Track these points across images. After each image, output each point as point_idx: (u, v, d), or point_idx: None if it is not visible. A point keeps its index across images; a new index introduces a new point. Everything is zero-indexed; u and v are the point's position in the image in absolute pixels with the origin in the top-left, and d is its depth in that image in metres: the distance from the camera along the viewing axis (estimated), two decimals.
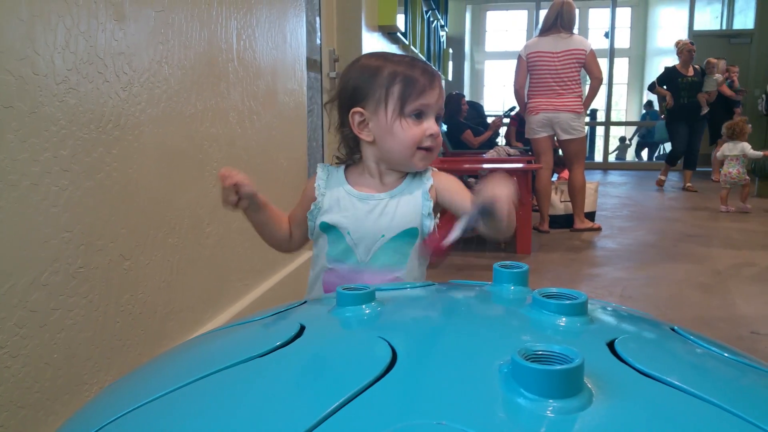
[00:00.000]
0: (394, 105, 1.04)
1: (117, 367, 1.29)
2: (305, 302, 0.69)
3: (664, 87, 6.65)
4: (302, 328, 0.56)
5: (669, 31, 10.47)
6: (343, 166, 1.14)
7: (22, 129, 1.01)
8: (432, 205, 1.09)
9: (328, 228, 1.08)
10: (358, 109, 1.07)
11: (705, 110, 6.53)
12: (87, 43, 1.16)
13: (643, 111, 11.23)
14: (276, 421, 0.42)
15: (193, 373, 0.52)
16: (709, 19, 9.65)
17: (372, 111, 1.06)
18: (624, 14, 11.46)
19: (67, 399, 1.14)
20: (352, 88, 1.08)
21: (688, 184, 6.65)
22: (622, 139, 11.30)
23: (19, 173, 1.00)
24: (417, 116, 1.04)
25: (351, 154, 1.14)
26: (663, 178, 6.90)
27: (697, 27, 9.31)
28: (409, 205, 1.08)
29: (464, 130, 5.93)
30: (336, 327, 0.59)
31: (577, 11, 4.20)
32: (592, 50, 4.09)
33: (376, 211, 1.07)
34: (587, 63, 4.08)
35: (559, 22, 4.09)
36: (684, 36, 9.36)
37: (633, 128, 11.31)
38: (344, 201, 1.09)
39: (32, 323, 1.05)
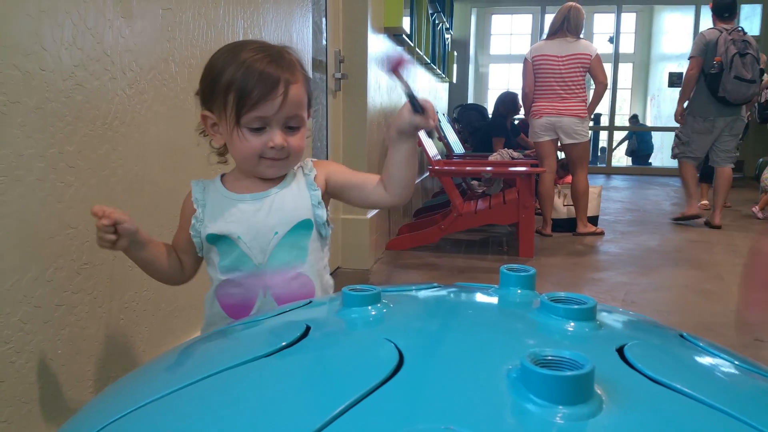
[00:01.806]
0: (230, 115, 0.97)
1: (121, 364, 1.29)
2: (310, 302, 0.69)
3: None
4: (308, 329, 0.56)
5: (674, 37, 10.46)
6: (218, 177, 1.09)
7: (28, 124, 1.00)
8: (320, 194, 1.06)
9: (216, 239, 1.03)
10: (207, 113, 1.02)
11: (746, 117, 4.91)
12: (94, 40, 1.16)
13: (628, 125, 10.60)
14: (281, 423, 0.42)
15: (198, 373, 0.51)
16: None
17: (217, 116, 1.00)
18: (629, 19, 11.44)
19: (71, 395, 1.14)
20: (204, 85, 1.02)
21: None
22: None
23: (24, 168, 1.00)
24: (257, 129, 0.97)
25: (222, 153, 1.10)
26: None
27: None
28: (296, 198, 1.04)
29: (500, 136, 5.80)
30: (342, 328, 0.58)
31: (584, 16, 4.20)
32: (597, 55, 4.08)
33: (263, 209, 1.02)
34: (592, 68, 4.08)
35: (566, 26, 4.09)
36: (689, 40, 9.35)
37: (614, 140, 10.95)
38: (227, 207, 1.03)
39: (37, 319, 1.05)
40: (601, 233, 4.26)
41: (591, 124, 4.25)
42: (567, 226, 4.39)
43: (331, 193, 1.12)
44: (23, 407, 1.03)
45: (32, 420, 1.05)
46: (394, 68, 0.98)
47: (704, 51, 4.26)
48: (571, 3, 4.13)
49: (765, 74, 5.33)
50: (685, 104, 4.55)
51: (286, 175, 1.07)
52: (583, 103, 4.12)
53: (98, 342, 1.22)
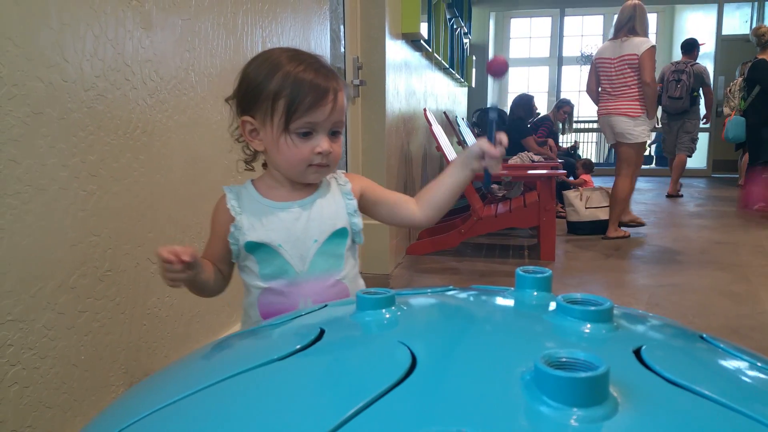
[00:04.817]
0: (279, 120, 0.97)
1: (143, 369, 1.31)
2: (326, 306, 0.69)
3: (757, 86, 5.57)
4: (322, 332, 0.56)
5: (696, 36, 10.30)
6: (249, 182, 1.08)
7: (51, 135, 1.03)
8: (356, 203, 1.07)
9: (255, 247, 1.02)
10: (248, 118, 1.01)
11: None
12: (115, 51, 1.18)
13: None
14: (294, 425, 0.42)
15: (215, 376, 0.52)
16: (738, 24, 9.47)
17: (260, 122, 1.00)
18: (650, 20, 11.32)
19: (94, 400, 1.16)
20: (244, 92, 1.02)
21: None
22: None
23: (48, 178, 1.02)
24: (304, 134, 0.98)
25: (249, 161, 1.10)
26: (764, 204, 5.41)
27: (725, 32, 9.15)
28: (332, 207, 1.05)
29: (528, 135, 5.79)
30: (356, 331, 0.58)
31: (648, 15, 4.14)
32: (646, 51, 3.92)
33: (302, 218, 1.03)
34: (639, 66, 3.95)
35: (629, 26, 4.02)
36: (712, 40, 9.20)
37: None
38: (266, 215, 1.03)
39: (60, 325, 1.07)
40: (627, 236, 4.22)
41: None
42: (588, 229, 4.35)
43: (361, 208, 1.12)
44: (47, 412, 1.05)
45: (56, 425, 1.06)
46: (501, 72, 1.01)
47: (661, 78, 6.34)
48: (635, 1, 4.05)
49: None
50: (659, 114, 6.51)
51: (320, 185, 1.07)
52: (635, 102, 4.00)
53: (121, 348, 1.24)
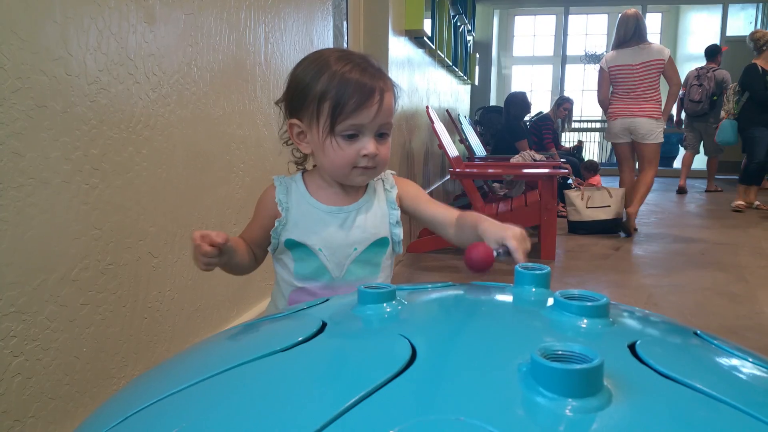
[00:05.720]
0: (324, 123, 0.95)
1: (144, 362, 1.32)
2: (328, 299, 0.70)
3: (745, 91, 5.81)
4: (324, 325, 0.57)
5: (701, 37, 10.30)
6: (299, 176, 1.07)
7: (54, 128, 1.03)
8: (399, 214, 1.07)
9: (294, 245, 1.01)
10: (295, 121, 1.00)
11: None
12: (118, 45, 1.19)
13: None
14: (295, 414, 0.42)
15: (217, 367, 0.53)
16: (742, 25, 9.46)
17: (307, 125, 0.99)
18: (654, 20, 11.30)
19: (95, 392, 1.17)
20: (292, 93, 1.01)
21: (757, 202, 5.69)
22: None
23: (51, 171, 1.03)
24: (350, 136, 0.96)
25: (300, 162, 1.09)
26: (742, 203, 5.66)
27: (730, 32, 9.14)
28: (377, 216, 1.05)
29: (522, 138, 5.74)
30: (357, 324, 0.59)
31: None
32: (670, 57, 4.21)
33: (346, 224, 1.02)
34: (666, 70, 4.20)
35: (638, 34, 4.20)
36: (716, 41, 9.20)
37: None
38: (311, 216, 1.02)
39: (62, 317, 1.08)
40: (630, 234, 4.30)
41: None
42: (589, 229, 4.35)
43: (402, 210, 1.12)
44: (50, 403, 1.06)
45: (58, 416, 1.08)
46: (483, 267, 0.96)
47: (685, 83, 6.65)
48: (634, 9, 4.28)
49: None
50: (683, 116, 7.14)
51: (367, 187, 1.06)
52: (658, 105, 4.24)
53: (122, 340, 1.25)
